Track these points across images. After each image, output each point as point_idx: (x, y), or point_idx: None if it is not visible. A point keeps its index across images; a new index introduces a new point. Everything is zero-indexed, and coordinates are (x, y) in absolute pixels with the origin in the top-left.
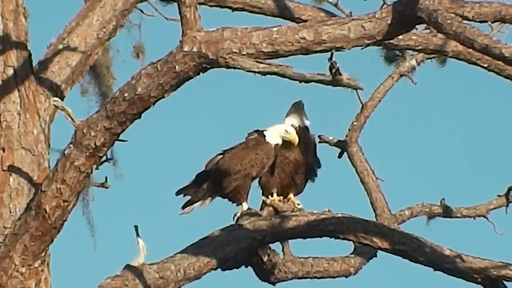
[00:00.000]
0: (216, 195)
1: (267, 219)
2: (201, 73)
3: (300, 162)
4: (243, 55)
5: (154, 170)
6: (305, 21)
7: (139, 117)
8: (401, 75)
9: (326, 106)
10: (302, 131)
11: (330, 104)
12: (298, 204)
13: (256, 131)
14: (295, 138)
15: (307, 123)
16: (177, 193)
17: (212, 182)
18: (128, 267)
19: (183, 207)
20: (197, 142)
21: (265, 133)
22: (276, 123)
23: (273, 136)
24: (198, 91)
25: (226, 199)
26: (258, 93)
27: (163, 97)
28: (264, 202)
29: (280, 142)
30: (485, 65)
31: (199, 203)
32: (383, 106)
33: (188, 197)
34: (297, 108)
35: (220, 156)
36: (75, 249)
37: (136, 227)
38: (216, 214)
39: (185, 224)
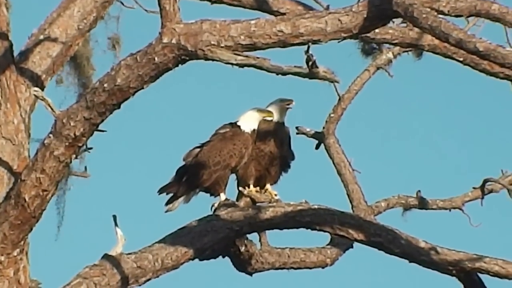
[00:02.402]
0: (198, 189)
1: (244, 210)
2: (180, 65)
3: (275, 155)
4: (222, 47)
5: (133, 161)
6: (283, 14)
7: (119, 107)
8: (378, 68)
9: (304, 98)
10: (279, 126)
11: (308, 96)
12: (275, 195)
13: (230, 124)
14: (270, 113)
15: (283, 119)
16: (160, 192)
17: (192, 175)
18: (106, 256)
19: (167, 204)
20: (174, 134)
21: (238, 123)
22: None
23: (247, 123)
24: (174, 84)
25: (205, 192)
26: (236, 86)
27: (142, 88)
28: (241, 192)
29: (256, 126)
30: (461, 59)
31: (182, 198)
32: (359, 98)
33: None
34: (281, 104)
35: (198, 150)
36: (54, 238)
37: (114, 217)
38: (194, 204)
39: (163, 214)
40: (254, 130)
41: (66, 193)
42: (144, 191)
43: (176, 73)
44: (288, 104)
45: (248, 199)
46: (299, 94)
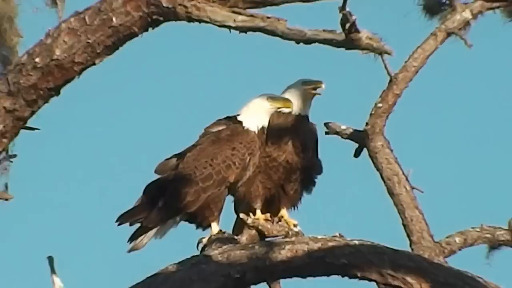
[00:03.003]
0: (178, 217)
1: (248, 248)
2: (150, 29)
3: (294, 166)
4: (213, 2)
5: (80, 174)
6: None
7: (57, 94)
8: (449, 34)
9: (337, 79)
10: (300, 121)
11: (343, 77)
12: (295, 225)
13: (227, 118)
14: (286, 102)
15: (307, 112)
16: (120, 221)
17: (170, 196)
18: None
19: (131, 240)
20: (143, 134)
21: (239, 118)
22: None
23: (253, 117)
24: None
25: (189, 221)
26: (235, 62)
27: (94, 64)
28: (243, 221)
29: (265, 122)
30: None
31: (154, 231)
32: (421, 79)
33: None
34: (305, 89)
35: (178, 158)
36: None
37: (50, 259)
38: (171, 239)
39: (124, 254)
40: (263, 127)
41: None
42: (96, 220)
43: (149, 38)
44: (315, 89)
45: (253, 231)
46: (331, 73)
